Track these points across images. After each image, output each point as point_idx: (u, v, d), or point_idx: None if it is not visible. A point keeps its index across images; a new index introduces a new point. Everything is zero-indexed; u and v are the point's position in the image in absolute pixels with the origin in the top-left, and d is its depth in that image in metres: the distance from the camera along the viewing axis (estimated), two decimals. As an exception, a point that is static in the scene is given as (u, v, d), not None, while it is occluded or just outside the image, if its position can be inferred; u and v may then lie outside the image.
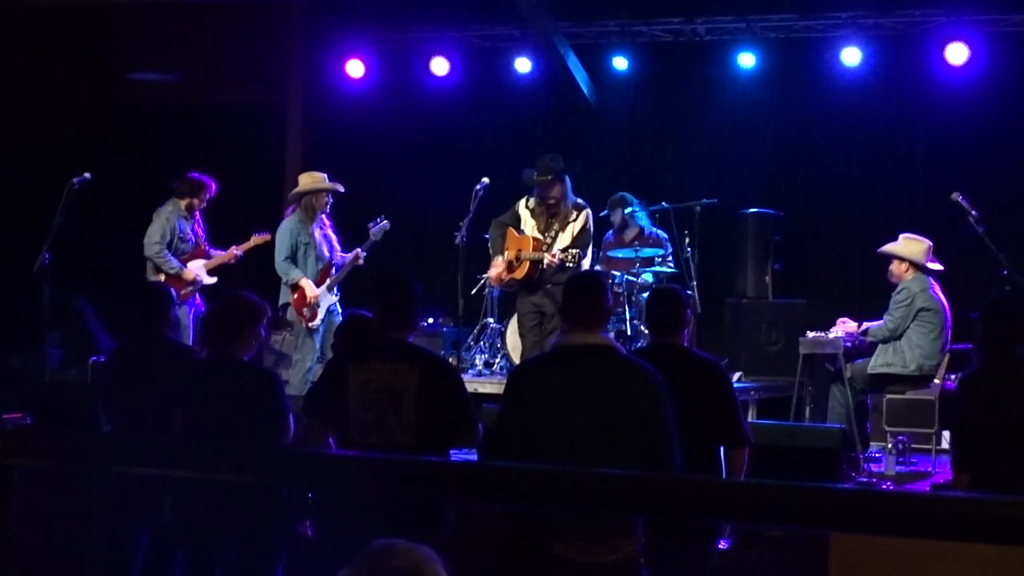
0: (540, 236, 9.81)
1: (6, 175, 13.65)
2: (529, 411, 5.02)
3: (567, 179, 9.90)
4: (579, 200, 9.94)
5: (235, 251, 10.69)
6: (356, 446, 5.38)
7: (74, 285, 11.13)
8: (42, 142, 13.83)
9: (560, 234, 9.75)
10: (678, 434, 4.98)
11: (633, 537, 4.95)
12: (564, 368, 5.05)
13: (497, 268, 9.92)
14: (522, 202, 10.00)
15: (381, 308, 5.73)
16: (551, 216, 9.86)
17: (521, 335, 10.28)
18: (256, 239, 10.71)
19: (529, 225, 9.87)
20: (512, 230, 9.87)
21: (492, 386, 10.22)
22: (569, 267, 9.65)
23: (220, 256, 10.68)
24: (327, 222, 10.42)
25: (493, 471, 2.64)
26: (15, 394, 10.38)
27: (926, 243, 9.76)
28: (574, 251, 9.61)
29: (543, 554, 4.86)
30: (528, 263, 9.80)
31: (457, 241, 9.81)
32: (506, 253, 9.84)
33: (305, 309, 10.17)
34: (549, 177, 9.81)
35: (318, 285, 10.19)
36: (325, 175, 10.35)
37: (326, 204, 10.28)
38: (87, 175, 10.21)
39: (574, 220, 9.80)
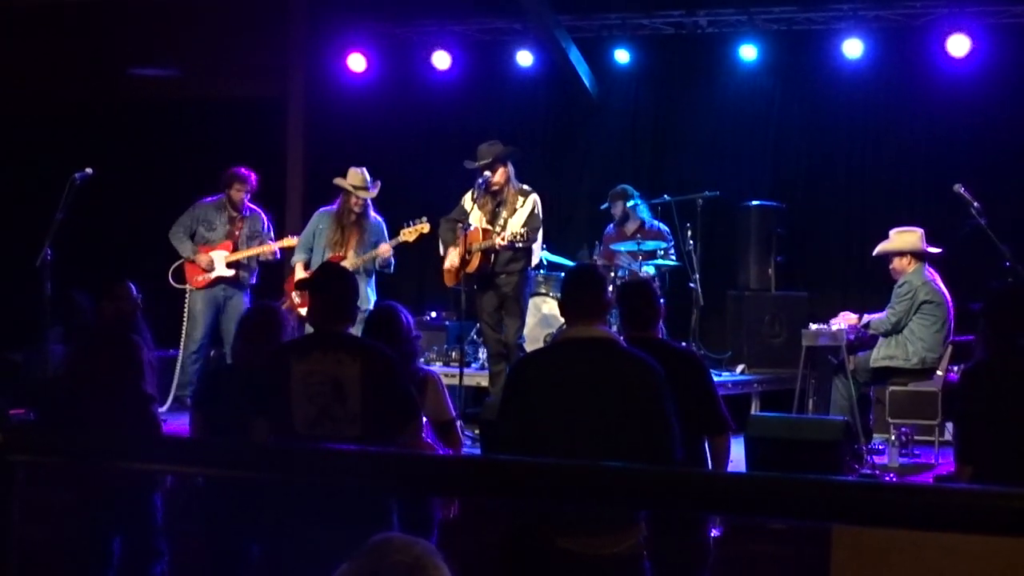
0: (489, 226, 9.74)
1: (7, 171, 13.65)
2: (531, 404, 5.02)
3: (509, 164, 9.83)
4: (525, 186, 9.88)
5: (267, 247, 10.82)
6: (300, 440, 5.35)
7: (76, 281, 11.12)
8: (43, 138, 13.83)
9: (509, 220, 9.69)
10: (679, 426, 4.99)
11: (635, 529, 4.95)
12: (565, 361, 5.05)
13: (450, 262, 9.85)
14: (467, 196, 9.88)
15: (320, 301, 5.75)
16: (497, 205, 9.79)
17: (485, 337, 10.18)
18: (285, 241, 10.85)
19: (476, 217, 9.79)
20: (459, 225, 9.81)
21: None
22: (519, 247, 9.62)
23: (241, 252, 10.80)
24: (371, 218, 10.42)
25: (493, 466, 2.64)
26: (17, 390, 10.39)
27: (918, 231, 9.78)
28: (521, 231, 9.54)
29: (545, 547, 4.86)
30: (479, 254, 9.69)
31: (455, 239, 9.78)
32: (457, 250, 9.76)
33: (293, 293, 10.32)
34: (488, 160, 9.73)
35: None
36: (364, 174, 10.38)
37: (355, 203, 10.31)
38: (88, 170, 10.21)
39: (522, 206, 9.73)
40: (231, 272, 10.77)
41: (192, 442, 4.69)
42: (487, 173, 9.75)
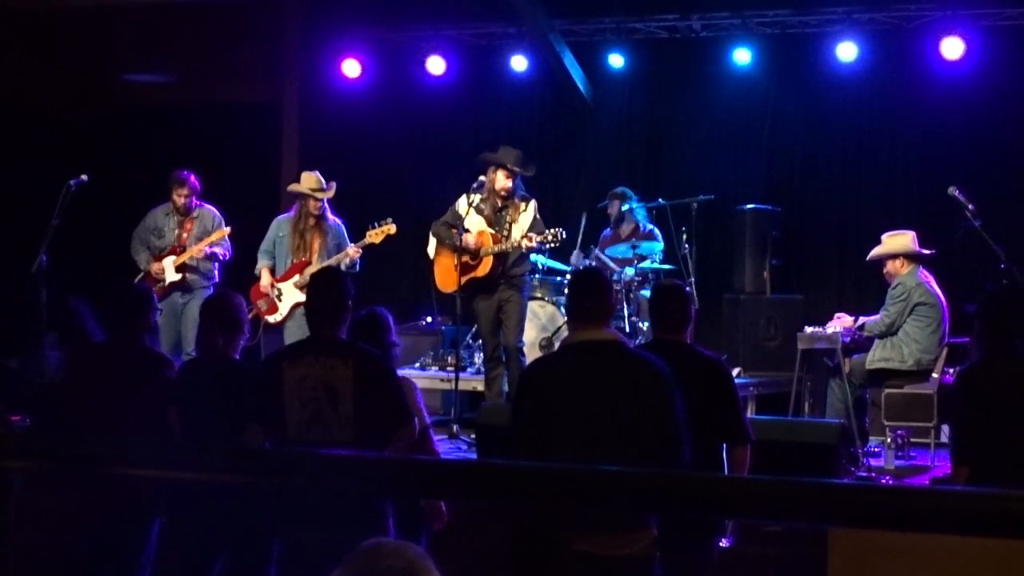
0: (493, 231, 9.77)
1: (3, 177, 13.64)
2: (543, 408, 5.06)
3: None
4: (524, 192, 9.94)
5: (201, 248, 10.52)
6: (294, 445, 5.37)
7: (72, 287, 11.12)
8: (38, 144, 13.81)
9: (513, 225, 9.72)
10: (687, 427, 5.03)
11: (648, 530, 4.99)
12: (576, 364, 5.10)
13: (448, 271, 9.83)
14: (462, 200, 9.84)
15: (311, 305, 5.77)
16: (500, 210, 9.80)
17: (483, 341, 10.18)
18: (216, 234, 10.58)
19: (476, 222, 9.77)
20: (454, 231, 9.80)
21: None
22: (549, 247, 9.70)
23: (185, 254, 10.51)
24: (330, 220, 10.31)
25: (495, 470, 2.64)
26: (13, 396, 10.38)
27: (909, 233, 9.81)
28: (554, 230, 9.57)
29: (559, 549, 4.89)
30: (491, 258, 9.70)
31: (454, 241, 9.77)
32: (458, 255, 9.75)
33: (260, 301, 10.25)
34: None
35: (283, 280, 10.19)
36: (319, 177, 10.26)
37: (314, 207, 10.20)
38: (84, 177, 10.20)
39: (524, 211, 9.77)
40: (179, 276, 10.48)
41: (186, 447, 4.69)
42: (482, 178, 9.79)
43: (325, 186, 10.25)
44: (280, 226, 10.39)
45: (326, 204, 10.29)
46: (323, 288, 5.78)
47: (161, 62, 14.22)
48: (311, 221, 10.22)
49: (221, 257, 10.65)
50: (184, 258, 10.50)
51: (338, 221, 10.38)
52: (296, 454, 3.57)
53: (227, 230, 10.59)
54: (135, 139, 13.87)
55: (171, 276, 10.47)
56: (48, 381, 10.33)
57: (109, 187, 11.75)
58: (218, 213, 10.75)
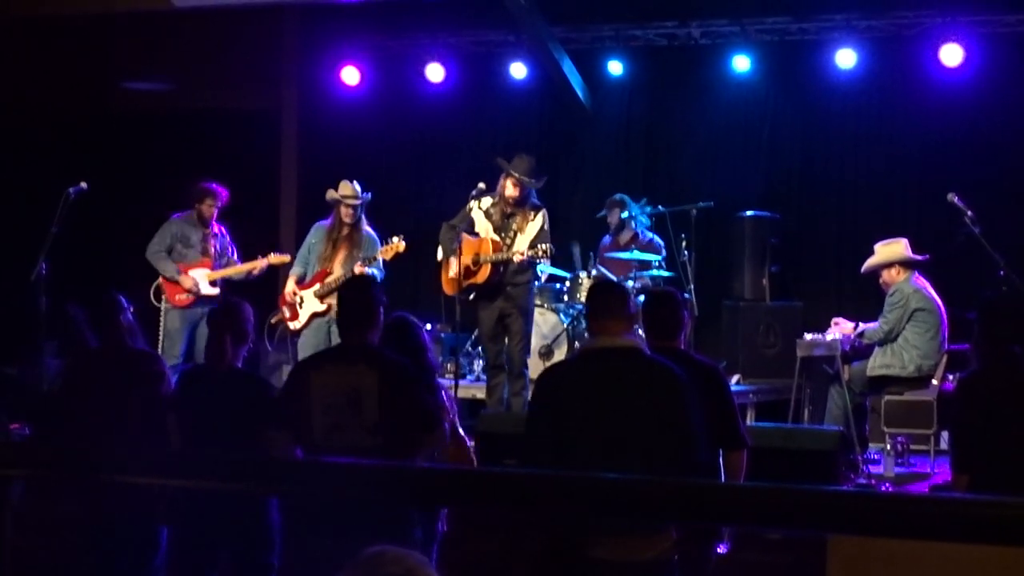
0: (497, 238, 9.74)
1: (2, 184, 13.64)
2: (559, 414, 5.09)
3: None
4: (535, 201, 9.91)
5: (247, 267, 10.62)
6: (319, 451, 5.39)
7: (71, 295, 11.10)
8: (37, 152, 13.81)
9: (519, 235, 9.69)
10: (703, 433, 5.07)
11: (668, 532, 5.01)
12: (593, 371, 5.13)
13: (451, 272, 9.83)
14: (473, 204, 9.83)
15: (340, 312, 5.80)
16: (508, 217, 9.79)
17: (484, 349, 10.17)
18: (273, 258, 10.68)
19: (484, 227, 9.74)
20: (464, 234, 9.78)
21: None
22: (539, 263, 9.68)
23: (226, 270, 10.60)
24: (364, 231, 10.33)
25: (495, 478, 2.64)
26: (12, 404, 10.37)
27: (902, 240, 9.82)
28: (544, 246, 9.53)
29: (582, 557, 4.91)
30: (489, 265, 9.64)
31: (453, 247, 9.77)
32: (455, 259, 9.71)
33: (284, 307, 10.32)
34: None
35: (307, 287, 10.19)
36: (354, 186, 10.30)
37: (347, 215, 10.23)
38: (83, 185, 10.19)
39: (532, 220, 9.75)
40: (215, 291, 10.52)
41: (192, 455, 4.69)
42: (481, 185, 9.78)
43: (360, 194, 10.30)
44: (316, 233, 10.42)
45: (363, 215, 10.32)
46: (352, 295, 5.79)
47: (160, 70, 14.22)
48: (344, 230, 10.25)
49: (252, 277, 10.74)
50: (226, 274, 10.58)
51: (372, 233, 10.36)
52: (296, 464, 3.57)
53: (286, 257, 10.68)
54: (134, 147, 13.86)
55: (206, 290, 10.51)
56: (47, 389, 10.31)
57: (109, 195, 11.74)
58: (227, 233, 10.84)
